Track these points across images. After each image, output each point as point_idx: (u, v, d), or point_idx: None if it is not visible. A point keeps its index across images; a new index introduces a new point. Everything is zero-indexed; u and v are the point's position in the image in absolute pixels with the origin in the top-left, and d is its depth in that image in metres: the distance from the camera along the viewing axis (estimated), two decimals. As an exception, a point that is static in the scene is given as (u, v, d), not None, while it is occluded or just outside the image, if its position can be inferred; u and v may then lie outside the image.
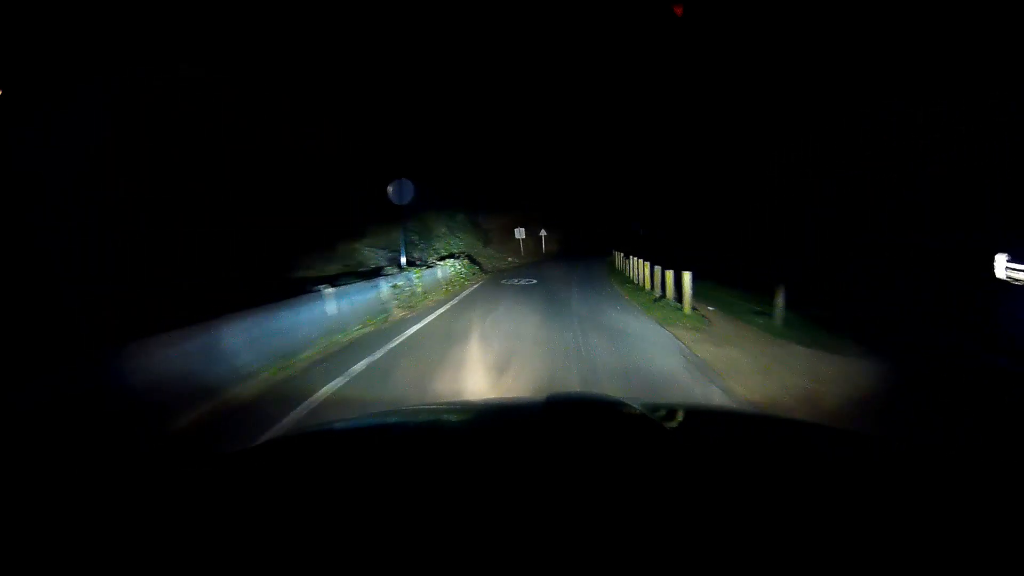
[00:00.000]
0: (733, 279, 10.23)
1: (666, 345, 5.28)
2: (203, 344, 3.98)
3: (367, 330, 6.42)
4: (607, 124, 29.63)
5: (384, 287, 7.87)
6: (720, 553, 0.52)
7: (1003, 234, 8.11)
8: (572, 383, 3.88)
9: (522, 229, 22.50)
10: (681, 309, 7.03)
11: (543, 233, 24.42)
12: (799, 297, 6.69)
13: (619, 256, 15.12)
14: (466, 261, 14.29)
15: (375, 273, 8.89)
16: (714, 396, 3.66)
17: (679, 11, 13.31)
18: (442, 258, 14.18)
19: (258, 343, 4.57)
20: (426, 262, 12.48)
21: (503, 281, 12.49)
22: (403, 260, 10.20)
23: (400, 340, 5.77)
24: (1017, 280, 6.04)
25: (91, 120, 7.77)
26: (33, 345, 4.25)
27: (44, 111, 7.31)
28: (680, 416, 1.29)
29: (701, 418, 1.33)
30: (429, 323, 6.92)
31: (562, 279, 12.50)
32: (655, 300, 8.21)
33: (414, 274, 9.29)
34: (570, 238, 31.78)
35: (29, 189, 6.69)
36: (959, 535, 0.59)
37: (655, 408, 1.22)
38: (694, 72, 15.58)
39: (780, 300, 6.16)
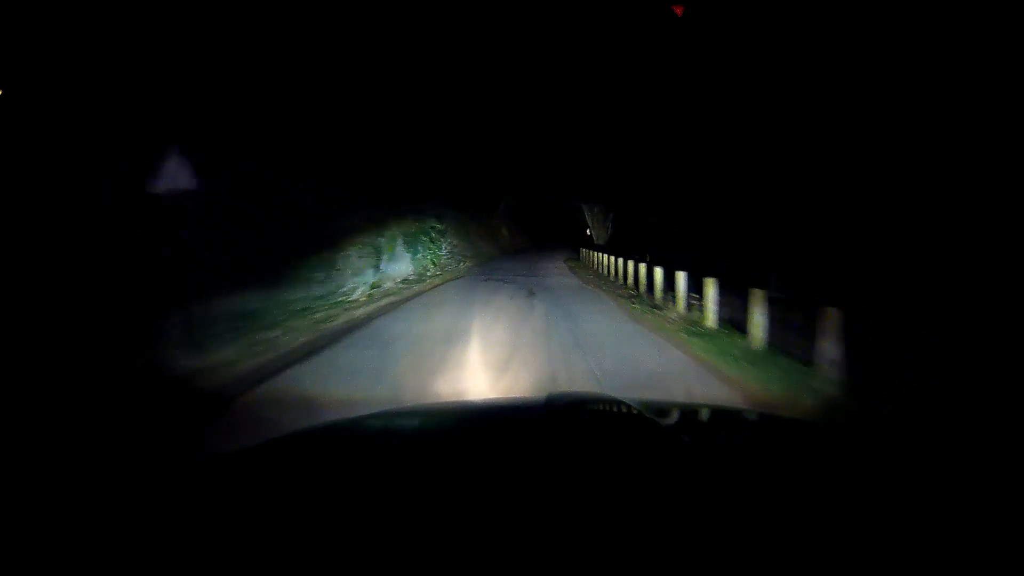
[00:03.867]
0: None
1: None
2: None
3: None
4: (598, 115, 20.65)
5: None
6: (719, 552, 0.52)
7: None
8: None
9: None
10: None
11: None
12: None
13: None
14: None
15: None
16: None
17: (679, 11, 12.22)
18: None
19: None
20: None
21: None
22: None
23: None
24: None
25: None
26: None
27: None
28: (679, 415, 1.29)
29: (700, 417, 1.32)
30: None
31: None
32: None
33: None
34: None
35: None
36: (964, 536, 0.58)
37: (654, 407, 1.20)
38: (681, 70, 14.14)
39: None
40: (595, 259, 17.39)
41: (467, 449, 0.89)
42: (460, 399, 3.41)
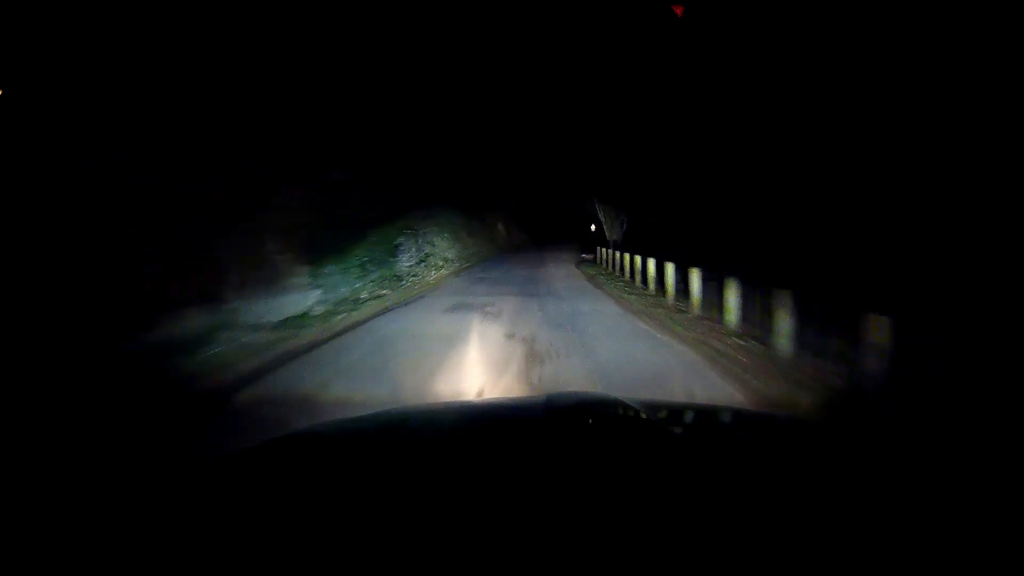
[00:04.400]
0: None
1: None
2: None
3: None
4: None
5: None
6: (720, 553, 0.51)
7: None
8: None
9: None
10: None
11: None
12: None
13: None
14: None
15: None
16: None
17: (679, 11, 11.57)
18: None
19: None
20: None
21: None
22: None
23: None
24: None
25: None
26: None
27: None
28: (680, 416, 1.27)
29: (702, 418, 1.28)
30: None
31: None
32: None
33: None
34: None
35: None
36: (967, 536, 0.58)
37: (655, 408, 1.21)
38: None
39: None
40: (625, 264, 11.75)
41: (467, 449, 0.88)
42: (461, 399, 3.21)
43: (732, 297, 5.61)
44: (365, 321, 6.34)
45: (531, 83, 18.12)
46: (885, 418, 3.08)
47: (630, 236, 19.81)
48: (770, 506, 0.62)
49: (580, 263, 16.19)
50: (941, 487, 0.73)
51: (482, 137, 20.01)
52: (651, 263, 9.21)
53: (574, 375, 3.87)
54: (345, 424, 1.15)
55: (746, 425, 1.20)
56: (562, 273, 13.03)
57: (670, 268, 7.86)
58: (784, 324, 4.44)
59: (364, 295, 8.53)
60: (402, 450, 0.89)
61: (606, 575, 0.47)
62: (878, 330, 3.46)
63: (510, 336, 5.25)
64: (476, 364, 4.25)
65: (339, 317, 6.57)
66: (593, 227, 36.90)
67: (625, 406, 1.02)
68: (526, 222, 30.30)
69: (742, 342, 5.00)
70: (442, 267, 13.82)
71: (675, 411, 1.32)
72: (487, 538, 0.53)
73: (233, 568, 0.51)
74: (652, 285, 9.02)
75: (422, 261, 13.06)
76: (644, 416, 0.98)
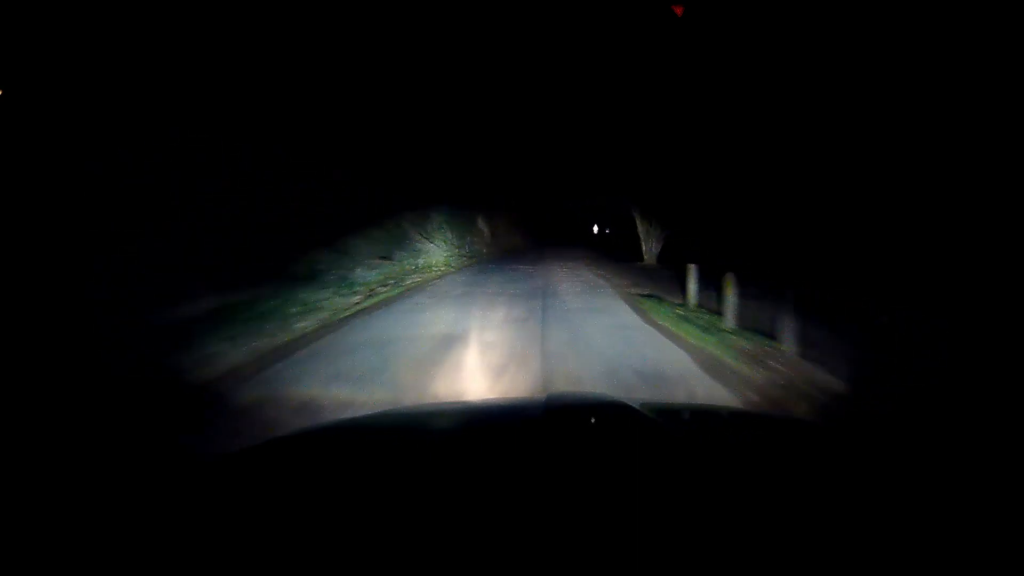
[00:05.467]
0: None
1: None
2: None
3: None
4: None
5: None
6: (720, 555, 0.51)
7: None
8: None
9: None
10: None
11: None
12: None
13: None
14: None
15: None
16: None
17: (679, 11, 11.81)
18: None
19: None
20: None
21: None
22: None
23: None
24: None
25: None
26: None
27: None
28: (680, 416, 1.27)
29: (701, 418, 1.29)
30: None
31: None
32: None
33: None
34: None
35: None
36: (967, 536, 0.57)
37: (654, 408, 1.21)
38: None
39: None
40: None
41: (467, 449, 0.88)
42: (461, 399, 3.20)
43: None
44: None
45: (535, 82, 17.35)
46: (887, 417, 3.03)
47: (618, 237, 19.70)
48: (769, 506, 0.61)
49: (632, 287, 8.35)
50: (941, 488, 0.72)
51: (478, 134, 18.43)
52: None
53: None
54: (345, 424, 1.18)
55: (746, 426, 1.21)
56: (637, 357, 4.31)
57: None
58: None
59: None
60: (402, 450, 0.88)
61: (606, 575, 0.46)
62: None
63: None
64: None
65: None
66: (596, 228, 35.66)
67: (625, 407, 1.01)
68: (526, 222, 28.56)
69: None
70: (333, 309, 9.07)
71: (675, 412, 1.32)
72: (487, 538, 0.53)
73: (228, 568, 0.50)
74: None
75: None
76: (644, 417, 0.97)
